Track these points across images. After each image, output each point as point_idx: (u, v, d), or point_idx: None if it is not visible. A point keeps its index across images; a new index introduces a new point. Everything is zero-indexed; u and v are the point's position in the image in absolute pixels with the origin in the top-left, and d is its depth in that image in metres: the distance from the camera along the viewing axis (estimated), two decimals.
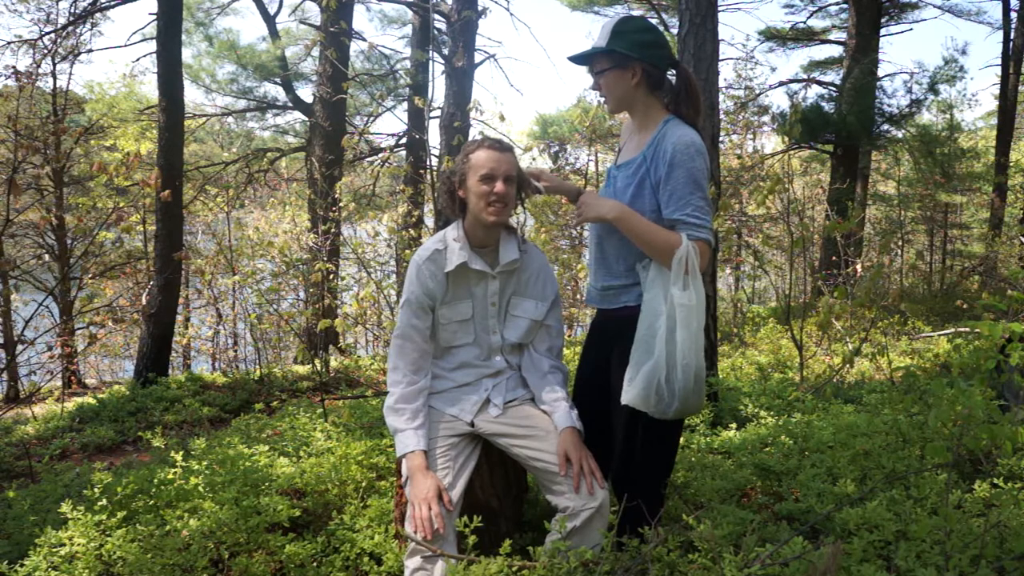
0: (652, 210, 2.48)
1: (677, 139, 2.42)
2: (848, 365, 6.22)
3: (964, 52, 14.02)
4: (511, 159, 2.72)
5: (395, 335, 2.82)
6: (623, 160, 2.65)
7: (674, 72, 2.62)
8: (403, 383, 2.75)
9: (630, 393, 2.43)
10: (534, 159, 15.15)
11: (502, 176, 2.68)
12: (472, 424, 2.74)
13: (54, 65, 11.87)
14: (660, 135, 2.50)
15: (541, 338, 2.89)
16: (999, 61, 14.31)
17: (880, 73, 14.41)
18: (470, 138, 7.61)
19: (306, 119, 15.92)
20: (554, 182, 2.85)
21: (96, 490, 3.13)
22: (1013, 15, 14.05)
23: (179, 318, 11.64)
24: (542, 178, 2.82)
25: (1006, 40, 14.02)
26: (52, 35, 11.56)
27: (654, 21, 17.67)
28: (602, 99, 2.70)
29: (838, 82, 15.65)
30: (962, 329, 7.81)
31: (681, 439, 4.15)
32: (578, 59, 2.64)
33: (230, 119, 18.02)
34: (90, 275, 13.20)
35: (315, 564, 2.82)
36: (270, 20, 15.45)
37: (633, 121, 2.66)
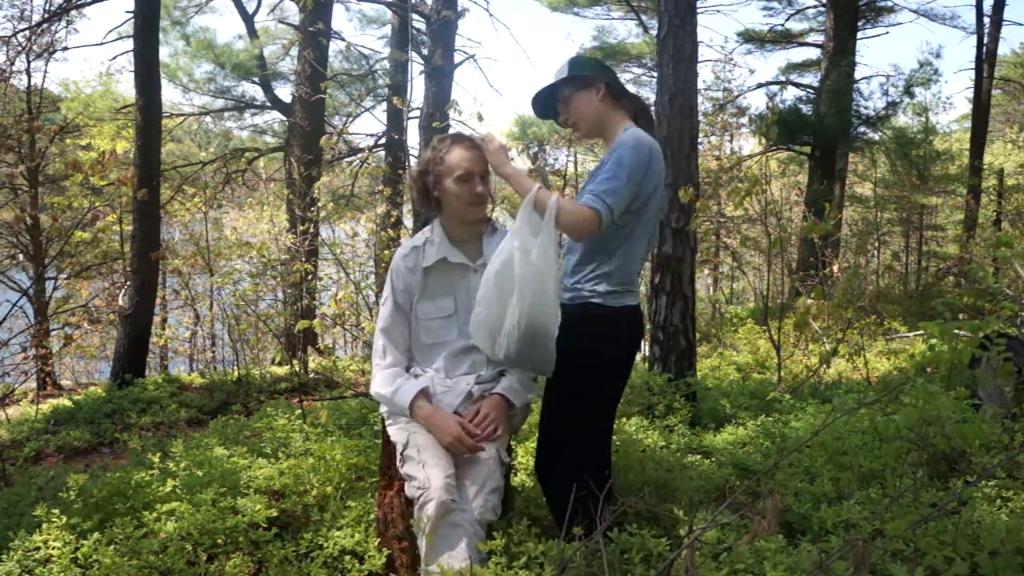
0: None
1: (627, 135, 2.64)
2: (825, 365, 6.26)
3: (939, 56, 14.14)
4: (483, 156, 2.74)
5: (378, 329, 2.88)
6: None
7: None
8: (387, 367, 2.82)
9: (473, 326, 2.63)
10: (512, 160, 15.12)
11: (479, 175, 2.72)
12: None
13: (28, 63, 11.69)
14: (620, 139, 2.66)
15: None
16: (973, 65, 14.49)
17: (857, 76, 14.54)
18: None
19: (284, 119, 15.84)
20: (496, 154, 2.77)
21: (71, 493, 3.10)
22: (987, 20, 14.21)
23: (156, 319, 11.52)
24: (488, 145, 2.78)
25: (979, 44, 14.18)
26: (27, 32, 11.41)
27: (633, 23, 17.72)
28: (574, 132, 2.88)
29: (816, 84, 15.79)
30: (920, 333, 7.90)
31: (660, 439, 4.17)
32: (541, 102, 2.86)
33: (208, 118, 17.89)
34: (65, 275, 13.05)
35: (296, 563, 2.81)
36: (248, 19, 15.36)
37: (605, 139, 2.81)
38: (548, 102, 2.86)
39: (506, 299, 2.48)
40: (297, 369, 8.45)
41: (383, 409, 2.89)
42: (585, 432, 2.74)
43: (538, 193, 2.50)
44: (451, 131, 7.11)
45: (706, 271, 16.91)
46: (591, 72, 2.77)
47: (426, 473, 2.48)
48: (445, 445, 2.58)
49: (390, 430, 2.77)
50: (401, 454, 2.63)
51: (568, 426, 2.73)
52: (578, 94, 2.76)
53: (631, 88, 3.10)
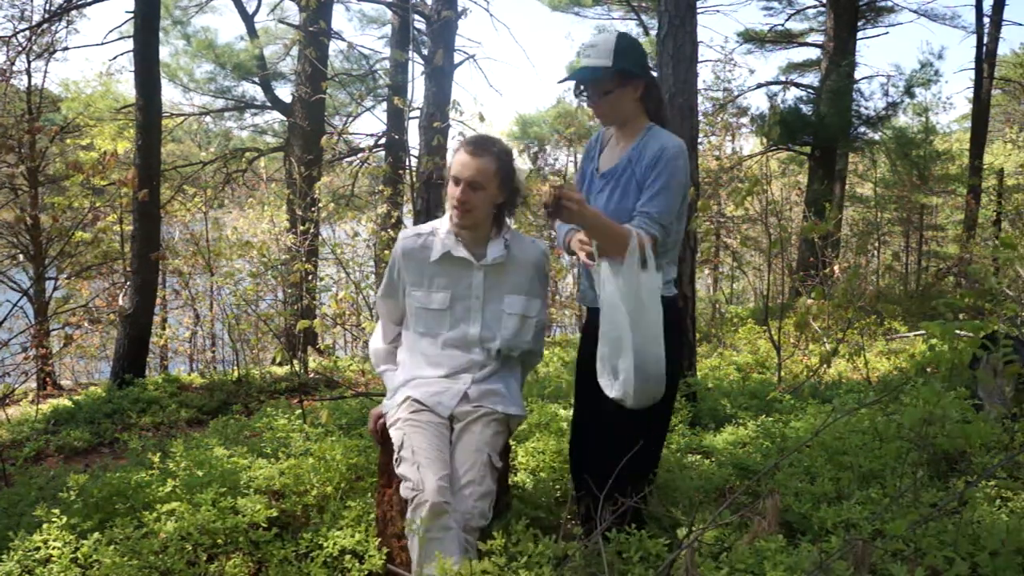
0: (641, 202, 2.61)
1: (666, 141, 2.60)
2: (825, 365, 6.26)
3: (940, 56, 14.16)
4: (481, 165, 2.71)
5: (378, 295, 3.05)
6: (607, 167, 2.74)
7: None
8: (383, 336, 3.10)
9: (617, 390, 2.52)
10: (514, 160, 15.14)
11: (465, 181, 2.70)
12: (451, 417, 2.74)
13: (29, 63, 11.70)
14: (645, 140, 2.65)
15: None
16: (973, 65, 14.48)
17: (857, 76, 14.55)
18: (449, 139, 7.59)
19: (285, 119, 15.83)
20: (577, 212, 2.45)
21: (71, 493, 3.10)
22: (987, 20, 14.21)
23: (156, 319, 11.53)
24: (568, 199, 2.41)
25: (979, 44, 14.18)
26: (27, 32, 11.41)
27: (633, 23, 17.74)
28: (596, 115, 2.76)
29: (816, 84, 15.79)
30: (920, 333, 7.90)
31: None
32: (584, 76, 2.68)
33: (208, 118, 17.90)
34: (65, 275, 13.05)
35: (296, 563, 2.81)
36: (248, 19, 15.36)
37: (618, 131, 2.77)
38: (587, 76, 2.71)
39: (623, 338, 2.47)
40: (297, 369, 8.45)
41: (383, 408, 2.90)
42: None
43: (636, 237, 2.45)
44: (451, 131, 7.13)
45: (706, 271, 16.90)
46: (636, 68, 2.65)
47: (420, 475, 2.48)
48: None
49: (388, 430, 2.78)
50: (397, 455, 2.63)
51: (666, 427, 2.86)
52: (619, 90, 2.66)
53: None
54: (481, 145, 2.75)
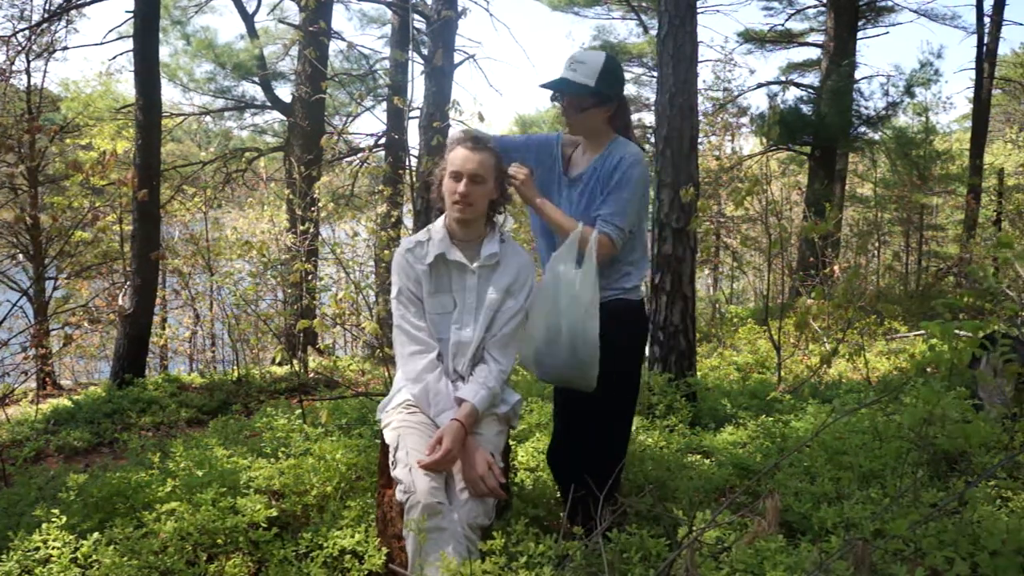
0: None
1: (627, 152, 2.84)
2: (825, 365, 6.26)
3: (940, 56, 14.15)
4: (482, 159, 2.77)
5: (395, 328, 2.88)
6: (576, 173, 2.96)
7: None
8: (415, 379, 2.77)
9: (523, 350, 2.89)
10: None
11: (467, 175, 2.74)
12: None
13: (28, 62, 11.69)
14: (609, 150, 2.89)
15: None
16: (973, 65, 14.47)
17: (857, 76, 14.53)
18: (449, 139, 7.57)
19: (284, 119, 15.83)
20: (527, 185, 2.97)
21: (71, 493, 3.10)
22: (987, 20, 14.20)
23: (156, 319, 11.53)
24: (518, 177, 2.95)
25: (980, 44, 14.17)
26: (26, 32, 11.41)
27: (633, 22, 17.69)
28: (566, 122, 2.98)
29: (816, 84, 15.77)
30: (920, 333, 7.90)
31: (660, 439, 4.17)
32: (557, 86, 2.90)
33: (208, 118, 17.88)
34: (65, 275, 13.05)
35: (296, 563, 2.81)
36: (248, 19, 15.36)
37: (586, 141, 3.00)
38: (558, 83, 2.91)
39: (550, 318, 2.75)
40: (297, 369, 8.45)
41: (379, 410, 2.90)
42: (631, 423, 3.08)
43: (581, 229, 2.76)
44: (451, 131, 7.13)
45: (706, 271, 16.91)
46: (613, 91, 2.87)
47: (412, 477, 2.49)
48: (466, 479, 2.57)
49: (384, 432, 2.78)
50: (392, 457, 2.64)
51: (629, 421, 3.02)
52: (595, 108, 2.87)
53: (631, 88, 3.20)
54: (479, 140, 2.81)
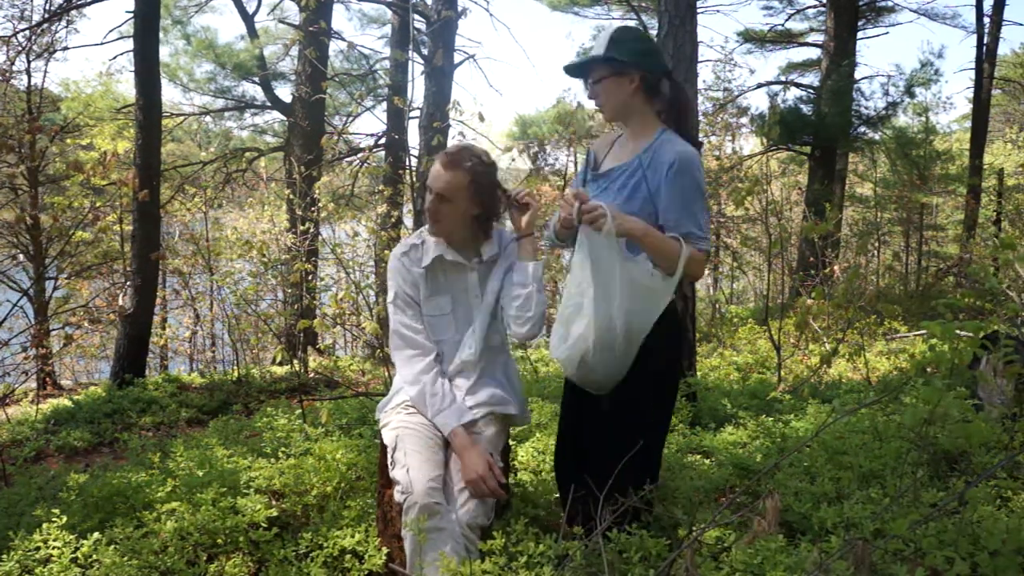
0: (645, 215, 2.52)
1: (681, 150, 2.50)
2: (825, 365, 6.26)
3: (940, 56, 14.15)
4: (451, 178, 2.68)
5: (392, 333, 2.85)
6: (610, 166, 2.68)
7: (668, 82, 2.66)
8: (410, 365, 2.78)
9: (560, 350, 2.54)
10: (513, 159, 15.17)
11: (435, 192, 2.71)
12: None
13: (29, 63, 11.69)
14: (656, 143, 2.57)
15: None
16: (973, 65, 14.47)
17: (857, 76, 14.53)
18: (449, 138, 7.59)
19: (285, 119, 15.84)
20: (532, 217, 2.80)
21: (71, 493, 3.10)
22: (987, 20, 14.20)
23: (156, 319, 11.53)
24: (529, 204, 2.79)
25: (980, 44, 14.16)
26: (27, 32, 11.41)
27: (632, 22, 17.76)
28: (597, 107, 2.72)
29: (816, 84, 15.77)
30: (920, 333, 7.90)
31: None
32: (574, 69, 2.69)
33: (208, 118, 17.89)
34: (65, 275, 13.05)
35: (296, 563, 2.81)
36: (248, 19, 15.36)
37: (627, 128, 2.71)
38: (583, 65, 2.69)
39: (614, 320, 2.43)
40: (297, 369, 8.45)
41: (378, 410, 2.90)
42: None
43: (685, 249, 2.45)
44: (451, 131, 7.13)
45: (706, 271, 16.86)
46: (629, 58, 2.56)
47: (409, 477, 2.50)
48: (466, 480, 2.56)
49: (382, 432, 2.79)
50: (391, 458, 2.64)
51: (665, 430, 2.79)
52: (610, 79, 2.60)
53: None
54: (455, 158, 2.71)
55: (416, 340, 2.81)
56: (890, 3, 15.84)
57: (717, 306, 15.13)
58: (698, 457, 4.05)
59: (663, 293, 2.46)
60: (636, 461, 2.53)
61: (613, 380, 2.54)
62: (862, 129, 14.49)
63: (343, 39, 17.37)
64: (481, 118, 7.72)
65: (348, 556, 2.78)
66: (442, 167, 2.70)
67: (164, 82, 10.04)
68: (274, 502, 3.23)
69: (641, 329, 2.45)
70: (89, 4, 12.00)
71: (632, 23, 17.55)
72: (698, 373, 5.59)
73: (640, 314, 2.44)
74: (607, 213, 2.36)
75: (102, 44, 13.67)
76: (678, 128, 2.63)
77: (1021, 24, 51.22)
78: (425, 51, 8.76)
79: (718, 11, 17.99)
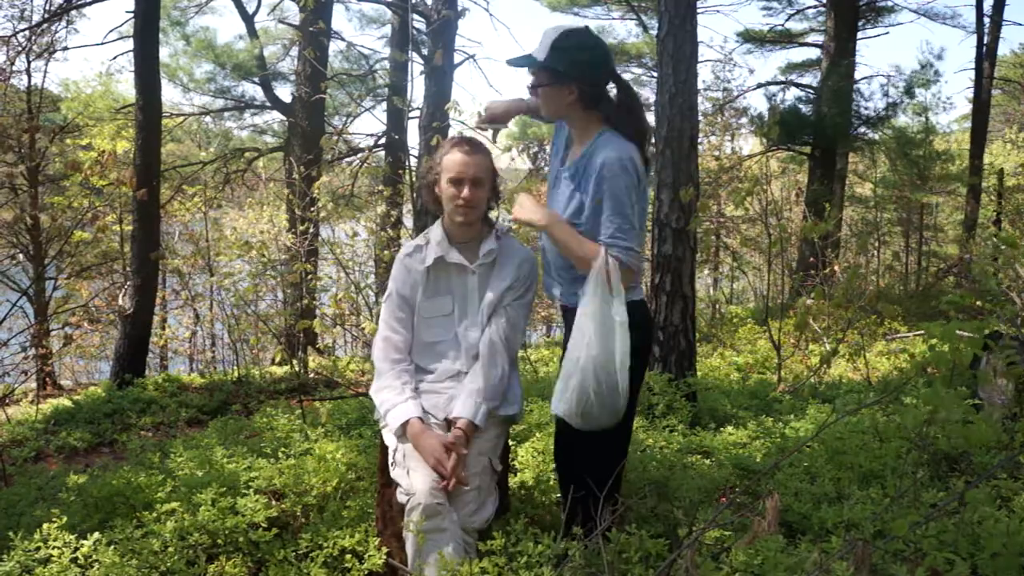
0: (586, 215, 2.55)
1: (604, 156, 2.47)
2: (825, 365, 6.26)
3: (940, 56, 14.15)
4: (480, 161, 2.74)
5: (379, 328, 2.87)
6: (571, 161, 2.68)
7: (615, 83, 2.64)
8: (387, 372, 2.79)
9: (562, 408, 2.50)
10: (513, 159, 15.18)
11: (469, 180, 2.71)
12: (445, 419, 2.75)
13: (28, 63, 11.70)
14: (591, 149, 2.55)
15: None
16: (973, 65, 14.47)
17: (857, 76, 14.55)
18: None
19: (284, 119, 15.84)
20: (499, 108, 2.97)
21: (71, 493, 3.10)
22: (987, 20, 14.20)
23: (156, 319, 11.53)
24: (489, 108, 2.96)
25: (980, 44, 14.17)
26: (26, 32, 11.41)
27: (633, 22, 17.65)
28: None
29: (816, 84, 15.77)
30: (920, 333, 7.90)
31: (660, 439, 4.17)
32: (516, 63, 2.65)
33: (208, 118, 17.89)
34: (65, 275, 13.06)
35: (296, 563, 2.81)
36: (248, 19, 15.35)
37: (572, 131, 2.71)
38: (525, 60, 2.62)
39: (601, 359, 2.41)
40: (297, 369, 8.44)
41: (378, 412, 2.90)
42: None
43: (601, 257, 2.42)
44: (451, 131, 7.13)
45: (706, 271, 16.90)
46: (567, 69, 2.50)
47: (411, 479, 2.50)
48: (428, 462, 2.56)
49: (383, 434, 2.79)
50: (392, 459, 2.65)
51: (631, 423, 2.76)
52: (548, 88, 2.57)
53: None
54: (474, 143, 2.79)
55: (404, 339, 2.85)
56: (890, 3, 15.85)
57: (717, 306, 15.14)
58: (698, 457, 4.05)
59: (617, 310, 2.41)
60: (607, 444, 2.62)
61: (614, 417, 2.50)
62: (862, 129, 14.51)
63: (343, 39, 17.40)
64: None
65: (348, 556, 2.78)
66: (467, 154, 2.72)
67: (164, 82, 10.04)
68: (274, 502, 3.23)
69: (624, 354, 2.41)
70: (89, 4, 12.02)
71: (632, 24, 17.56)
72: (698, 373, 5.59)
73: (622, 340, 2.41)
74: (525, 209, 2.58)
75: (102, 44, 13.71)
76: (627, 124, 2.58)
77: (1021, 24, 51.32)
78: (425, 51, 8.76)
79: (718, 11, 18.01)
